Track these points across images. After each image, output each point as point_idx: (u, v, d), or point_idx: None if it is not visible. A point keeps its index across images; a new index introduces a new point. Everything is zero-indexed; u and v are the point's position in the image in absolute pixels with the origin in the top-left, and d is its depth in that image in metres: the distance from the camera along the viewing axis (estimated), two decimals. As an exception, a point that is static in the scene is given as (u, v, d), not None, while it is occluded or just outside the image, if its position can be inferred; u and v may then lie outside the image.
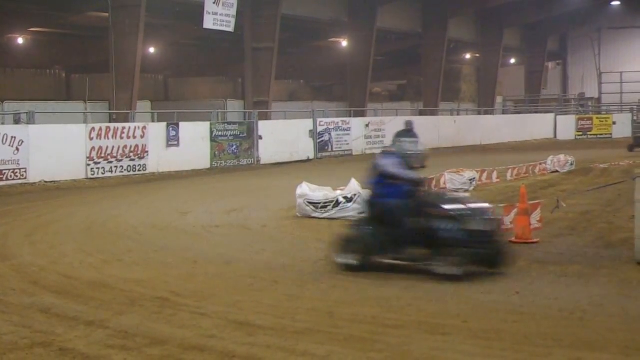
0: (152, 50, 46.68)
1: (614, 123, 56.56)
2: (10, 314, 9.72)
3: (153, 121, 32.26)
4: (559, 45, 70.02)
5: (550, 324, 9.14)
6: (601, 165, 30.89)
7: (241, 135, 33.99)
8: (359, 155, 40.22)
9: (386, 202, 12.09)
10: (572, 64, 69.72)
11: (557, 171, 28.79)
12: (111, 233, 16.36)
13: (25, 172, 25.77)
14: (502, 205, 16.62)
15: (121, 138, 28.74)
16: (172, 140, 30.73)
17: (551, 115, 57.69)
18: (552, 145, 49.15)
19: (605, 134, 55.73)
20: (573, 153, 32.57)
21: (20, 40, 45.55)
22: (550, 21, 61.69)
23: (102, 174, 28.05)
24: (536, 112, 60.96)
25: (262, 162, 34.81)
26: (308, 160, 37.30)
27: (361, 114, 44.46)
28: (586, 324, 9.18)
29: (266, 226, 17.11)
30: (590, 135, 55.63)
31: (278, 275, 11.92)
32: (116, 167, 28.54)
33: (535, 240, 14.53)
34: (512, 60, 68.80)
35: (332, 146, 39.17)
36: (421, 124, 46.82)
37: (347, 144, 40.09)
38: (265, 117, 37.62)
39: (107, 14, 33.49)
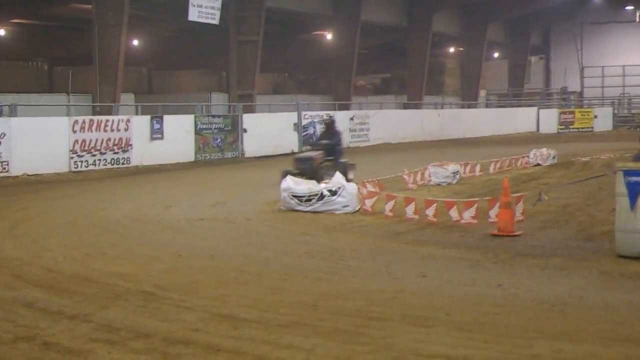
0: (135, 42, 46.55)
1: (596, 117, 56.86)
2: (-7, 308, 9.72)
3: (137, 114, 32.22)
4: (542, 40, 70.27)
5: (531, 315, 9.21)
6: (582, 159, 31.08)
7: (225, 129, 33.97)
8: (344, 148, 40.16)
9: None
10: (555, 58, 69.99)
11: (539, 164, 28.94)
12: (95, 226, 16.32)
13: (7, 165, 25.68)
14: (486, 198, 16.73)
15: (105, 131, 28.67)
16: (156, 133, 30.68)
17: (534, 109, 57.86)
18: (535, 138, 49.37)
19: (587, 128, 55.97)
20: (555, 146, 32.73)
21: (2, 32, 45.27)
22: (534, 16, 61.98)
23: (86, 167, 27.98)
24: (519, 106, 61.14)
25: (247, 155, 34.80)
26: (292, 153, 37.24)
27: (346, 107, 44.50)
28: (567, 315, 9.25)
29: (250, 219, 17.12)
30: (572, 128, 55.85)
31: (262, 269, 11.94)
32: (100, 160, 28.47)
33: (517, 233, 14.62)
34: (496, 54, 68.94)
35: (316, 139, 39.06)
36: (405, 117, 47.20)
37: (332, 137, 39.99)
38: (250, 110, 37.59)
39: (90, 6, 33.44)
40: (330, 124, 24.72)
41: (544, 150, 29.99)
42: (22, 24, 45.01)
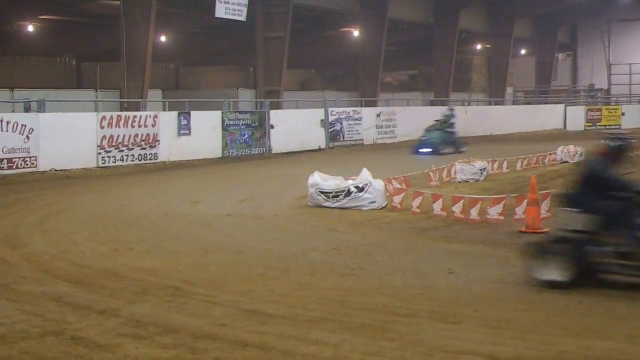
0: (163, 39, 46.64)
1: (623, 114, 56.49)
2: (22, 303, 9.75)
3: (164, 110, 32.25)
4: (570, 37, 69.89)
5: (559, 313, 9.19)
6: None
7: (253, 125, 34.01)
8: (371, 145, 40.24)
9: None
10: (582, 56, 69.57)
11: (566, 162, 28.80)
12: (123, 222, 16.40)
13: (36, 160, 25.83)
14: (513, 195, 16.69)
15: (132, 127, 28.76)
16: (184, 129, 30.77)
17: (561, 106, 57.55)
18: (562, 136, 49.09)
19: (615, 125, 55.64)
20: (582, 144, 32.49)
21: (31, 28, 45.42)
22: (561, 13, 61.62)
23: (114, 162, 28.10)
24: (546, 103, 60.86)
25: (274, 151, 34.83)
26: (319, 149, 37.30)
27: (373, 104, 44.45)
28: (594, 313, 9.23)
29: (278, 215, 17.14)
30: (600, 126, 55.53)
31: (290, 265, 11.96)
32: (127, 155, 28.56)
33: (544, 230, 14.57)
34: (523, 52, 68.63)
35: (343, 136, 39.18)
36: (432, 114, 47.06)
37: (359, 133, 40.07)
38: (277, 106, 37.63)
39: (118, 2, 33.51)
40: None
41: (572, 148, 29.87)
42: (51, 20, 45.21)
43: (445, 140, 35.19)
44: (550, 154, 29.31)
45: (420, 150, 34.41)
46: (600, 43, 66.70)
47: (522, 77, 66.67)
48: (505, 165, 26.24)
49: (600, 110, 57.57)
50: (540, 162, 28.33)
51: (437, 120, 37.06)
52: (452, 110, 38.86)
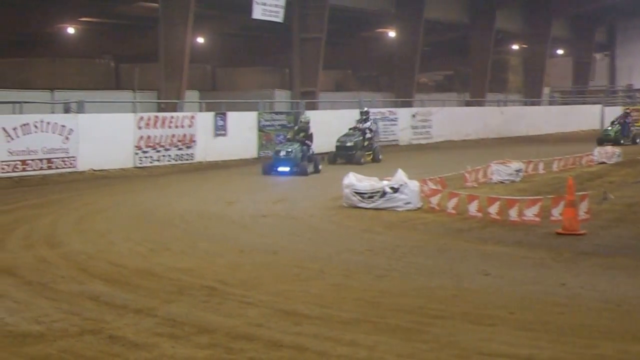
0: (200, 40, 46.85)
1: (661, 115, 56.06)
2: (60, 302, 9.83)
3: (201, 111, 32.40)
4: (607, 37, 69.32)
5: (596, 315, 9.13)
6: (648, 157, 30.65)
7: (288, 125, 34.01)
8: (406, 145, 40.15)
9: None
10: (620, 56, 69.01)
11: (604, 162, 28.60)
12: (159, 221, 16.48)
13: (75, 160, 25.99)
14: (550, 196, 16.60)
15: (169, 127, 28.90)
16: (220, 129, 30.87)
17: (598, 107, 57.14)
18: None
19: (653, 126, 55.20)
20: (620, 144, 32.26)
21: (70, 30, 45.82)
22: (599, 12, 61.16)
23: (150, 162, 28.24)
24: (583, 103, 60.41)
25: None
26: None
27: (408, 104, 44.37)
28: (633, 315, 9.16)
29: (313, 216, 17.16)
30: (637, 126, 55.04)
31: (324, 265, 11.97)
32: (164, 156, 28.69)
33: (582, 232, 14.48)
34: (560, 51, 68.17)
35: (378, 136, 39.09)
36: (468, 114, 46.96)
37: (394, 134, 40.00)
38: (312, 107, 37.64)
39: (156, 4, 33.74)
40: None
41: (609, 148, 29.66)
42: (91, 22, 45.54)
43: (304, 155, 27.42)
44: (587, 155, 29.10)
45: (279, 169, 26.54)
46: (638, 43, 66.16)
47: (559, 77, 66.17)
48: (541, 166, 26.10)
49: (638, 110, 57.10)
50: (577, 162, 28.13)
51: (351, 129, 32.09)
52: (367, 113, 32.93)
